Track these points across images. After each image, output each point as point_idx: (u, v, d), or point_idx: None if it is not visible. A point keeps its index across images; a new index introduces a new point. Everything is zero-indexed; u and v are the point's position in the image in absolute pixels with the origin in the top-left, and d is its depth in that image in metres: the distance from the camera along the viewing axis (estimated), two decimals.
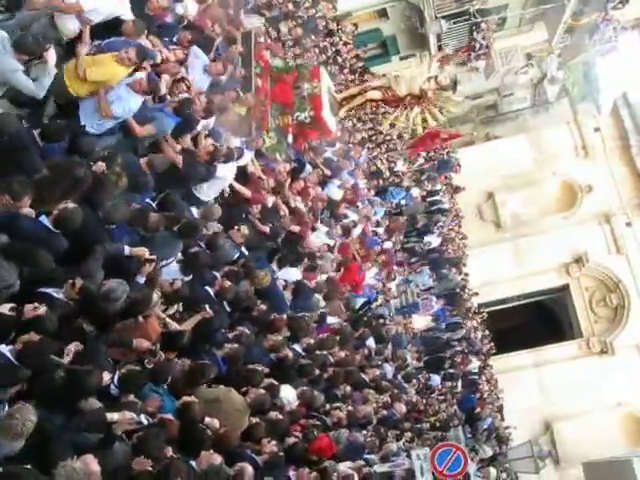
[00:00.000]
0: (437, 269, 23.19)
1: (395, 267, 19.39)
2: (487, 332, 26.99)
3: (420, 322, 19.81)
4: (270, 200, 10.73)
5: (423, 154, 24.17)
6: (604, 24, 24.89)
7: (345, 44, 20.32)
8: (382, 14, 22.71)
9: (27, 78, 6.50)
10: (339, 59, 19.52)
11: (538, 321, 31.73)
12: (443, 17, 21.66)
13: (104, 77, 7.41)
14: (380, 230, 18.83)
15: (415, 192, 22.82)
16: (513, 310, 30.80)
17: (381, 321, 16.28)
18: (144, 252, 6.67)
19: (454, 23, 22.20)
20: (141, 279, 6.76)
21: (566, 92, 32.81)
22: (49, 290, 5.72)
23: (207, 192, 9.06)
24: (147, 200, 7.64)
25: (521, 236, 29.37)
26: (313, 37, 17.33)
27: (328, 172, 14.27)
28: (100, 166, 6.63)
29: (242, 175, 10.10)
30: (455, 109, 14.55)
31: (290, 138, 12.90)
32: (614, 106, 30.51)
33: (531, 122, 32.14)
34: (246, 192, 10.06)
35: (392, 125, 15.43)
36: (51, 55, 6.67)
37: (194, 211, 8.58)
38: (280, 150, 12.26)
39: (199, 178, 8.70)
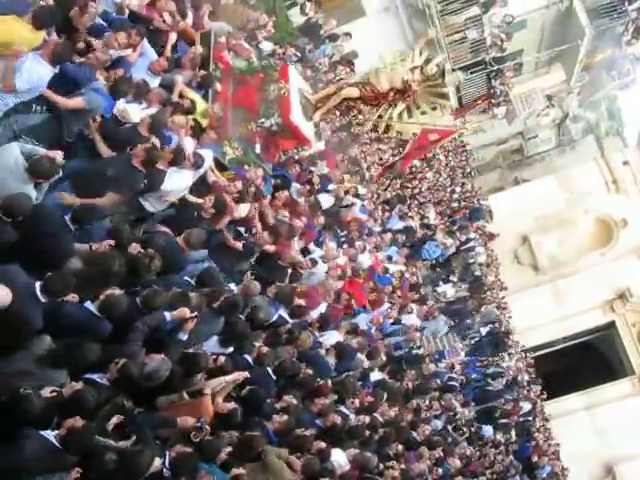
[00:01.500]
0: (459, 321, 22.65)
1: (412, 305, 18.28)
2: (534, 375, 26.49)
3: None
4: (242, 209, 9.56)
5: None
6: (620, 59, 25.00)
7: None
8: None
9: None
10: (360, 117, 19.89)
11: (587, 362, 31.09)
12: (460, 69, 21.92)
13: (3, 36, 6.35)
14: (392, 267, 17.79)
15: (449, 242, 22.75)
16: (559, 353, 30.26)
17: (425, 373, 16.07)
18: (185, 312, 6.73)
19: (471, 73, 22.42)
20: (183, 336, 6.84)
21: (590, 129, 32.79)
22: (94, 377, 5.81)
23: (154, 203, 8.20)
24: (185, 277, 7.70)
25: (560, 277, 29.02)
26: None
27: (318, 183, 13.19)
28: (135, 248, 6.75)
29: (203, 185, 9.15)
30: (446, 103, 12.75)
31: (258, 148, 11.30)
32: None
33: (559, 162, 32.05)
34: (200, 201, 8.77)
35: (375, 126, 13.57)
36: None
37: (233, 287, 8.63)
38: (248, 162, 10.75)
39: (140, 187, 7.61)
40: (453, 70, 21.76)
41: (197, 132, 9.32)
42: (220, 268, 8.65)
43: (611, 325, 29.28)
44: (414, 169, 23.28)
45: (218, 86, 10.37)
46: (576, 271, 28.77)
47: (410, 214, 21.49)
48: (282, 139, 11.74)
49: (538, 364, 27.55)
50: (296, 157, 12.92)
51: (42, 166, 6.13)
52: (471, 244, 24.28)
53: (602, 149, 31.20)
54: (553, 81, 27.46)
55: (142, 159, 7.32)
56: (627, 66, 25.52)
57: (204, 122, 9.51)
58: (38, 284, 5.49)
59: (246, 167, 10.48)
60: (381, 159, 19.64)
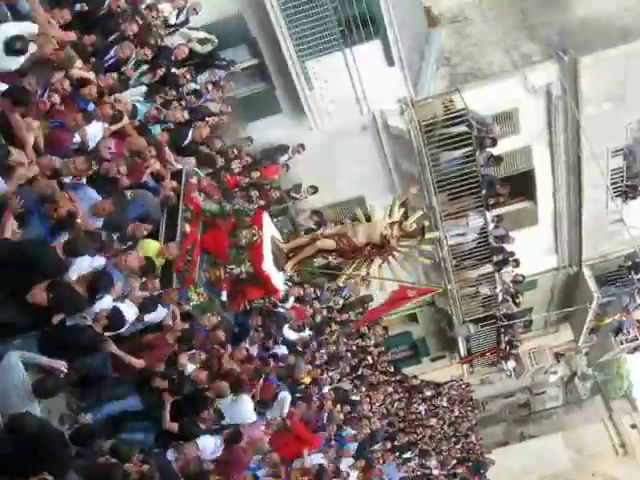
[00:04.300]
0: None
1: None
2: None
3: None
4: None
5: None
6: (627, 323, 25.59)
7: (376, 345, 21.19)
8: (412, 318, 23.80)
9: None
10: (369, 359, 20.28)
11: None
12: (471, 321, 22.46)
13: None
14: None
15: None
16: None
17: None
18: None
19: (482, 326, 22.94)
20: None
21: (598, 389, 32.85)
22: None
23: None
24: None
25: None
26: (345, 340, 18.10)
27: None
28: (129, 467, 6.56)
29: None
30: (425, 260, 11.68)
31: (224, 295, 10.66)
32: None
33: (566, 420, 31.85)
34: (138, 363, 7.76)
35: (349, 279, 12.52)
36: None
37: None
38: (211, 309, 10.07)
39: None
40: (464, 322, 22.31)
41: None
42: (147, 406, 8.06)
43: None
44: (418, 416, 23.19)
45: (187, 227, 9.95)
46: None
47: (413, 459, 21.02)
48: (250, 288, 11.16)
49: None
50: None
51: (47, 386, 6.10)
52: None
53: (610, 410, 31.05)
54: (561, 340, 27.98)
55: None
56: (634, 332, 26.03)
57: (159, 262, 8.94)
58: None
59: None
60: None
